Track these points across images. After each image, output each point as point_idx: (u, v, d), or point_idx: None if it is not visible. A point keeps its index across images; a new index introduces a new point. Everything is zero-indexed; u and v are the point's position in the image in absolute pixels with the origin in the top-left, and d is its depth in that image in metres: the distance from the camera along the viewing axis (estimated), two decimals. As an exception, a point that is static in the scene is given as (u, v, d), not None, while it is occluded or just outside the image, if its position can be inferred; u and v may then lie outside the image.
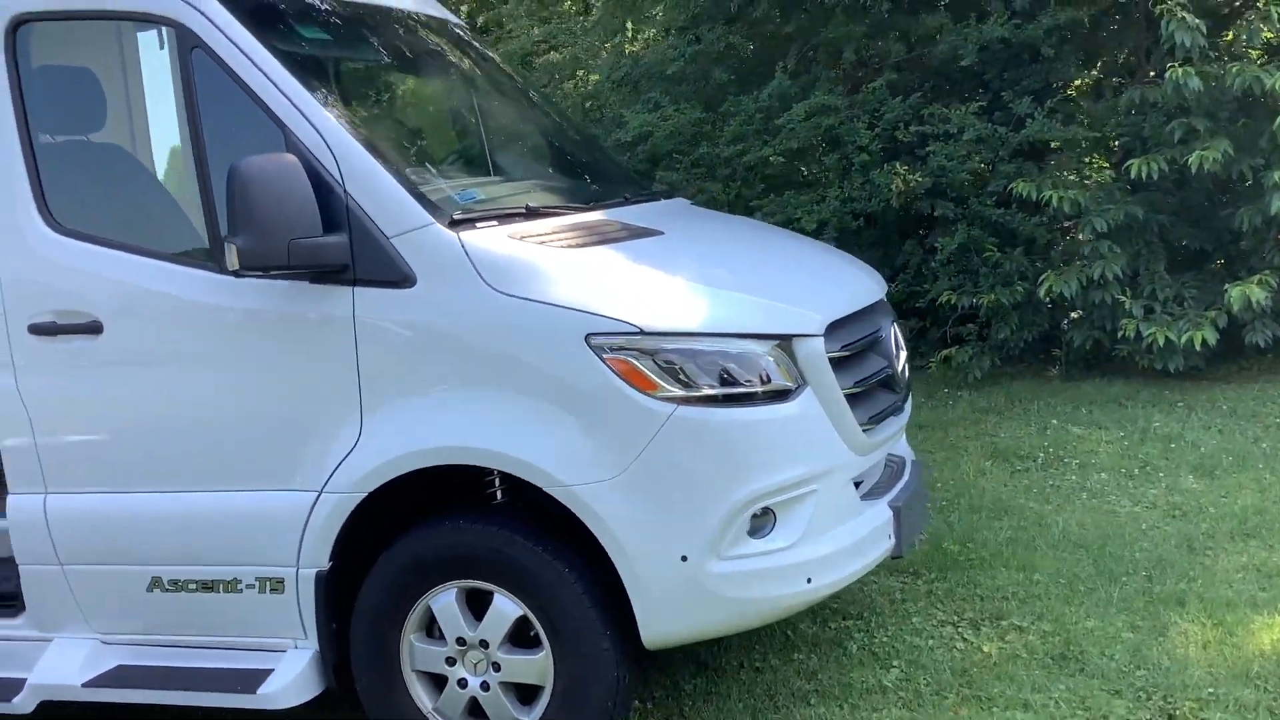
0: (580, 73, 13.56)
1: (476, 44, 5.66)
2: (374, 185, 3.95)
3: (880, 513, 4.35)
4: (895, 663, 4.68)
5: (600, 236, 4.24)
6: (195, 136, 4.09)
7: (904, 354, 4.69)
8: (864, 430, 4.22)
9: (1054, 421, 8.06)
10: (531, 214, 4.27)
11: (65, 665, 4.41)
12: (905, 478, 4.71)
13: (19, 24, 4.27)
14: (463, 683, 4.10)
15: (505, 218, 4.18)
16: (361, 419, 4.00)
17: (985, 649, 4.74)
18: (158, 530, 4.27)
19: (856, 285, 4.65)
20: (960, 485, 6.87)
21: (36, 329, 4.27)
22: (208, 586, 4.23)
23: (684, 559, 3.83)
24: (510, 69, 5.83)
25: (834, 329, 4.16)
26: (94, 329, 4.22)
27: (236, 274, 3.91)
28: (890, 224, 10.55)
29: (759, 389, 3.94)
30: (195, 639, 4.34)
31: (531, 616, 3.98)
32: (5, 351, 4.33)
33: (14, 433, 4.37)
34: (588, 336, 3.81)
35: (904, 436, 5.14)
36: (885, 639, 4.89)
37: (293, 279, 3.96)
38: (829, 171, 10.53)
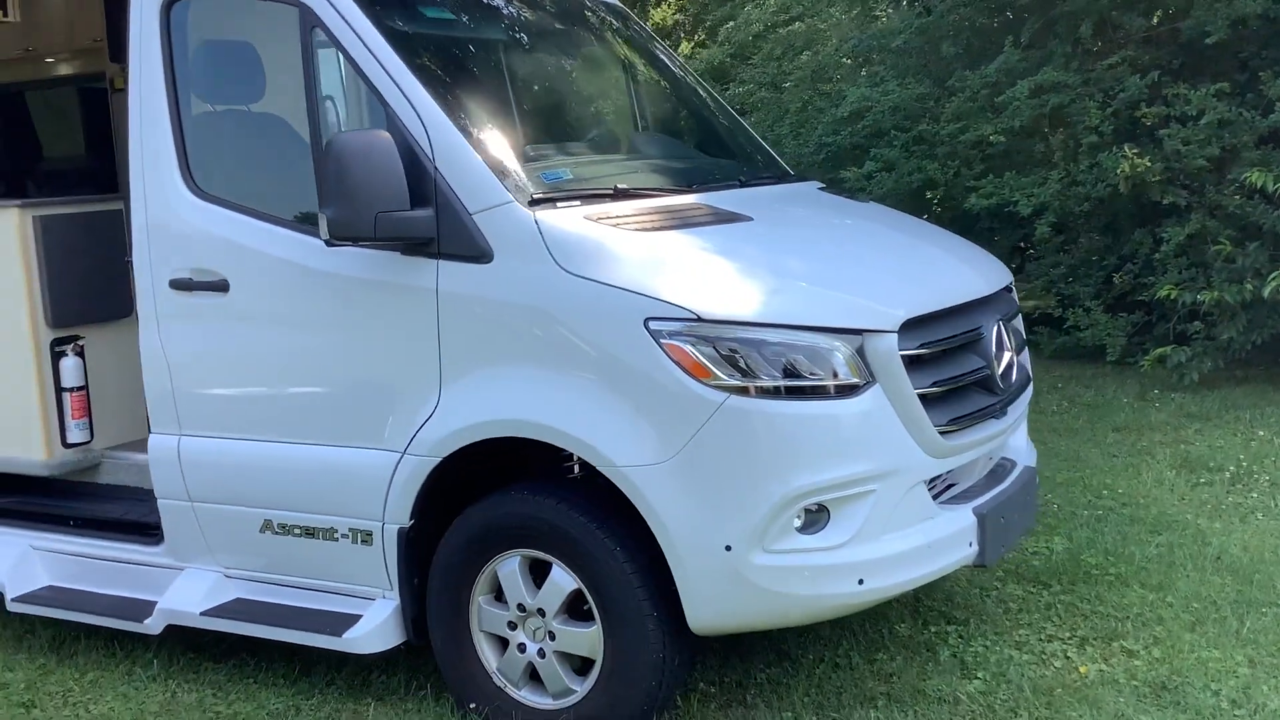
0: (815, 46, 13.35)
1: (629, 21, 5.70)
2: (460, 162, 4.09)
3: (961, 518, 4.19)
4: (980, 674, 4.49)
5: (682, 220, 4.23)
6: (313, 111, 4.34)
7: (1009, 354, 4.46)
8: (944, 432, 4.07)
9: (1260, 433, 7.49)
10: (620, 195, 4.31)
11: (190, 593, 4.80)
12: (1005, 483, 4.52)
13: (172, 3, 4.63)
14: (522, 647, 4.22)
15: (590, 198, 4.24)
16: (440, 387, 4.16)
17: (1083, 669, 4.49)
18: (269, 476, 4.57)
19: (953, 280, 4.46)
20: (1130, 494, 6.49)
21: (176, 284, 4.64)
22: (310, 532, 4.51)
23: (728, 548, 3.81)
24: (661, 47, 5.83)
25: (913, 326, 4.02)
26: (222, 287, 4.55)
27: (328, 243, 4.12)
28: (1121, 211, 9.98)
29: (823, 383, 3.87)
30: (301, 581, 4.63)
31: (585, 591, 4.06)
32: (150, 304, 4.72)
33: (156, 378, 4.77)
34: (646, 320, 3.83)
35: (1023, 439, 4.92)
36: (981, 648, 4.70)
37: (381, 249, 4.16)
38: (1053, 152, 10.05)
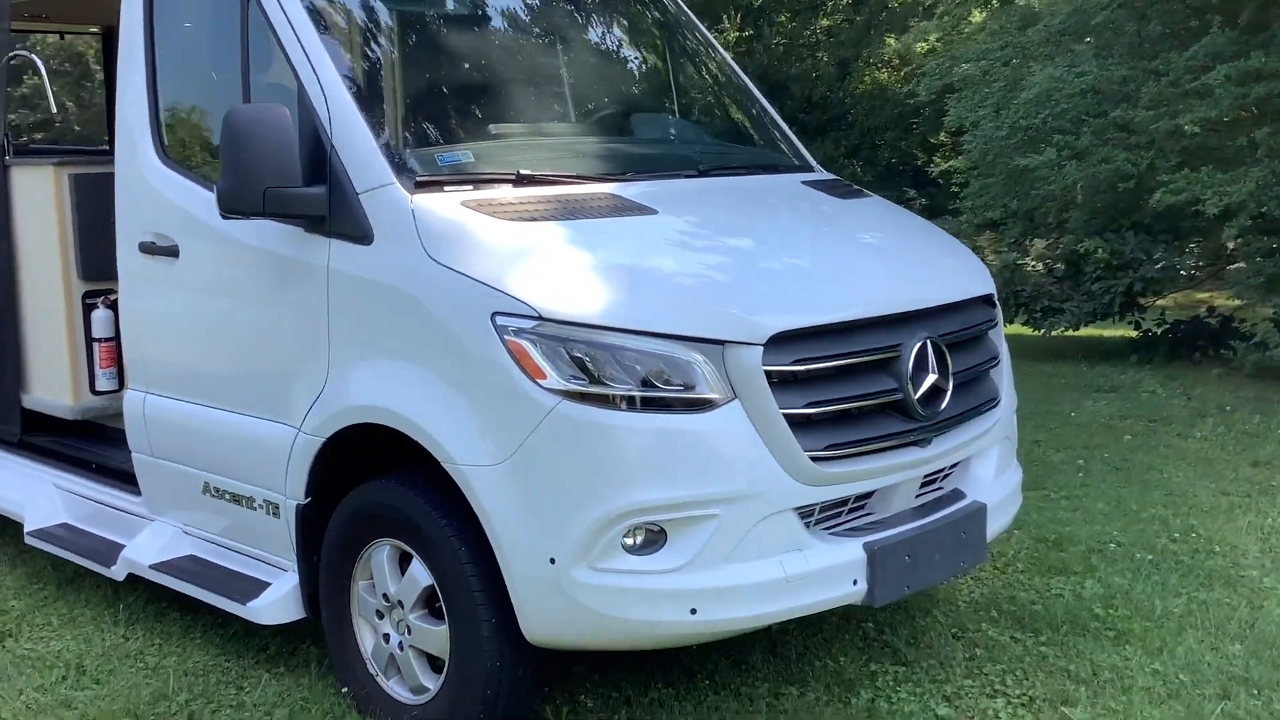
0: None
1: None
2: (353, 140, 4.02)
3: (844, 552, 3.81)
4: (886, 727, 4.10)
5: (571, 210, 4.00)
6: (244, 83, 4.38)
7: (933, 376, 3.96)
8: (817, 459, 3.70)
9: None
10: (523, 181, 4.13)
11: (149, 545, 4.99)
12: (930, 518, 4.08)
13: None
14: (386, 637, 4.16)
15: (486, 182, 4.08)
16: (328, 367, 4.13)
17: (1006, 735, 4.03)
18: (206, 441, 4.68)
19: (866, 292, 4.03)
20: (1208, 540, 5.75)
21: (143, 247, 4.80)
22: (236, 499, 4.59)
23: (552, 561, 3.61)
24: (675, 25, 5.51)
25: (789, 340, 3.68)
26: (174, 253, 4.67)
27: (223, 216, 4.15)
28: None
29: (669, 395, 3.59)
30: (235, 545, 4.73)
31: (437, 588, 3.95)
32: (125, 264, 4.91)
33: (129, 336, 4.97)
34: (494, 315, 3.66)
35: (991, 469, 4.43)
36: (907, 695, 4.28)
37: (289, 224, 4.14)
38: (1257, 147, 8.99)
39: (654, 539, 3.63)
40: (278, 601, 4.43)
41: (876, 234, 4.60)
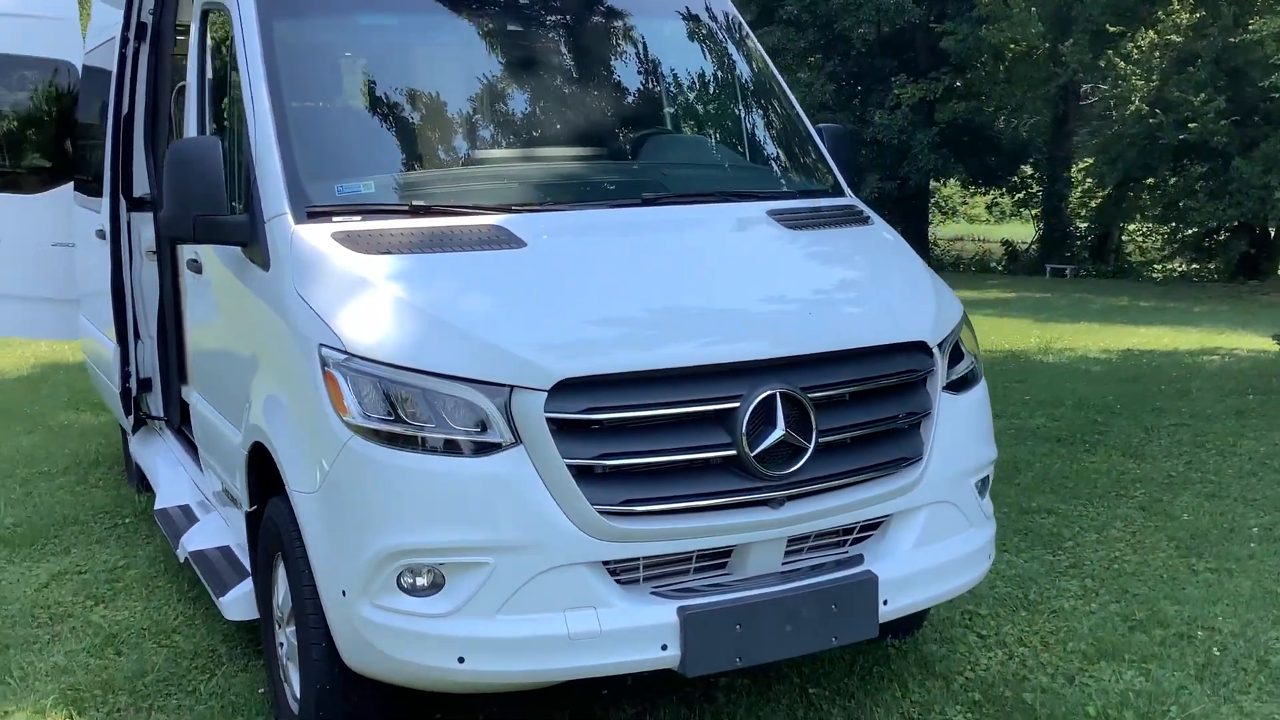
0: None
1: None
2: (267, 168, 4.23)
3: (652, 614, 3.59)
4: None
5: (436, 244, 3.97)
6: (215, 113, 4.73)
7: (780, 432, 3.60)
8: (609, 514, 3.50)
9: None
10: (418, 211, 4.17)
11: (199, 533, 5.48)
12: (790, 585, 3.75)
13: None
14: (283, 646, 4.34)
15: (376, 213, 4.15)
16: (251, 383, 4.38)
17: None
18: (213, 440, 5.09)
19: (709, 338, 3.74)
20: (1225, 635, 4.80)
21: (190, 265, 5.28)
22: (232, 500, 4.96)
23: (344, 594, 3.66)
24: (687, 43, 5.25)
25: (586, 386, 3.51)
26: (199, 269, 5.10)
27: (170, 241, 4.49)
28: None
29: (448, 436, 3.53)
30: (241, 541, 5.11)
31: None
32: (184, 277, 5.42)
33: (188, 340, 5.49)
34: (320, 346, 3.76)
35: (909, 541, 3.98)
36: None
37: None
38: None
39: (437, 582, 3.58)
40: (241, 599, 4.73)
41: (793, 273, 4.21)
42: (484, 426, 3.54)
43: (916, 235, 35.63)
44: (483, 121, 4.75)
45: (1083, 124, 32.02)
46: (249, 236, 4.28)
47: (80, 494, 7.57)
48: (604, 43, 5.06)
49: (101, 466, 8.25)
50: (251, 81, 4.37)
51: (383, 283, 3.84)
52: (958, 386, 4.21)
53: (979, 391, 4.35)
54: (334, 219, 4.11)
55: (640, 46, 5.14)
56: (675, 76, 5.32)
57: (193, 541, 5.42)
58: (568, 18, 4.99)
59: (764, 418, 3.64)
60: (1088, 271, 31.42)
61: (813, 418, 3.70)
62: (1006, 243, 36.93)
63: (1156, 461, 7.67)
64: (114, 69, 6.52)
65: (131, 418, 6.85)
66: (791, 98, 5.14)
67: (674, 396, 3.60)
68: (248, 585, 4.72)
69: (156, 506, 6.18)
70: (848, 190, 4.93)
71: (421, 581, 3.58)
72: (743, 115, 5.26)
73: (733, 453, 3.61)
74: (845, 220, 4.64)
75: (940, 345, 4.12)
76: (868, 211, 4.79)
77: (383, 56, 4.82)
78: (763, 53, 5.26)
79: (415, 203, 4.21)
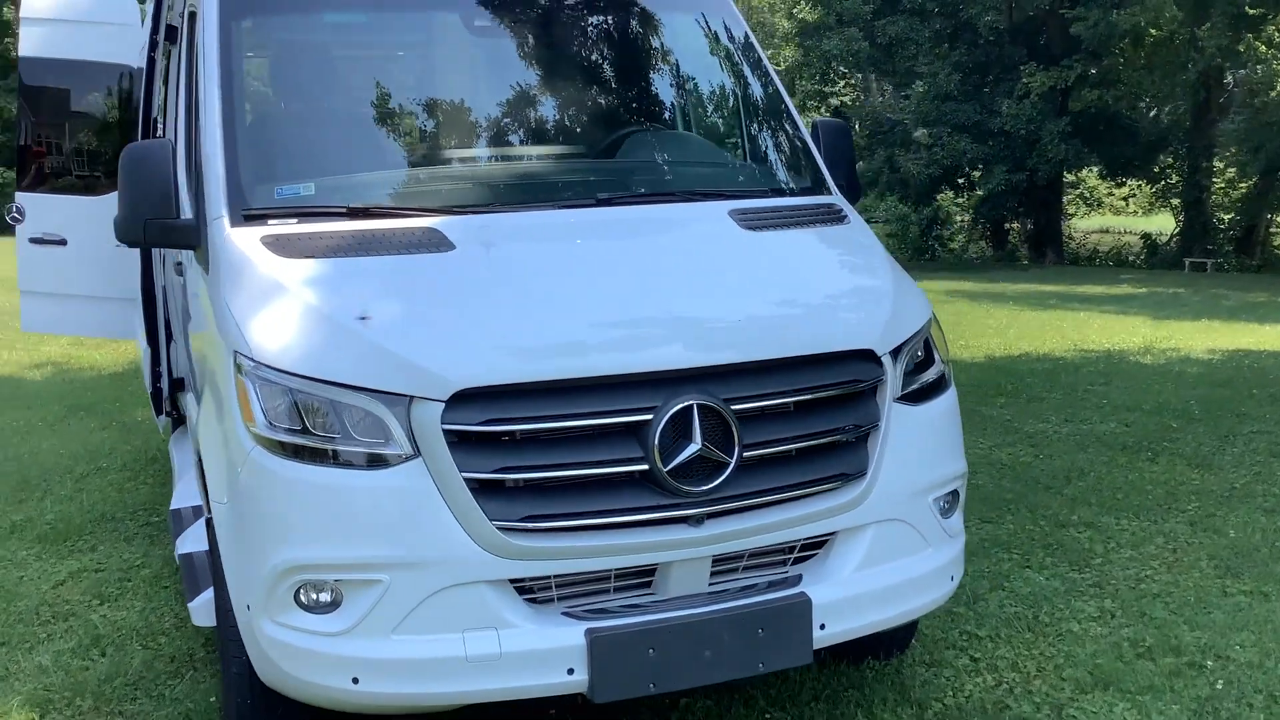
0: None
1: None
2: (211, 171, 4.16)
3: (557, 636, 3.42)
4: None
5: (361, 248, 3.85)
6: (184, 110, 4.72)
7: (696, 446, 3.39)
8: (508, 529, 3.34)
9: None
10: (355, 214, 4.05)
11: (192, 535, 5.45)
12: (710, 608, 3.54)
13: None
14: (227, 655, 4.29)
15: (312, 216, 4.05)
16: (201, 390, 4.33)
17: None
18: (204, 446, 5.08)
19: (622, 346, 3.57)
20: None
21: (176, 268, 5.28)
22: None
23: (248, 608, 3.58)
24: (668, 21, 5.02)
25: (487, 397, 3.36)
26: (181, 272, 5.09)
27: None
28: None
29: (346, 448, 3.42)
30: None
31: (224, 619, 4.02)
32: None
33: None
34: (235, 353, 3.68)
35: (851, 564, 3.73)
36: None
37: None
38: None
39: (336, 599, 3.47)
40: (204, 606, 4.68)
41: (733, 277, 3.96)
42: (380, 438, 3.41)
43: (1049, 229, 34.58)
44: (436, 122, 4.61)
45: (1225, 111, 30.68)
46: (196, 240, 4.23)
47: (127, 491, 7.70)
48: (568, 36, 4.87)
49: (157, 463, 8.39)
50: (205, 82, 4.31)
51: (297, 288, 3.73)
52: (918, 396, 3.93)
53: (945, 401, 4.05)
54: (269, 222, 4.02)
55: (609, 38, 4.95)
56: (646, 69, 5.08)
57: (184, 544, 5.40)
58: (533, 14, 4.82)
59: (681, 431, 3.44)
60: (1230, 266, 30.09)
61: (735, 431, 3.48)
62: (1145, 235, 35.59)
63: (1222, 472, 7.17)
64: (144, 72, 6.59)
65: (165, 417, 6.92)
66: (781, 90, 4.88)
67: (582, 408, 3.43)
68: (210, 593, 4.68)
69: (171, 506, 6.22)
70: (833, 187, 4.66)
71: (324, 598, 3.47)
72: (719, 109, 5.04)
73: (645, 467, 3.42)
74: (813, 220, 4.38)
75: (896, 352, 3.85)
76: (845, 210, 4.52)
77: (338, 58, 4.73)
78: (752, 41, 4.99)
79: (353, 205, 4.09)
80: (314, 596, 3.47)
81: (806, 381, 3.66)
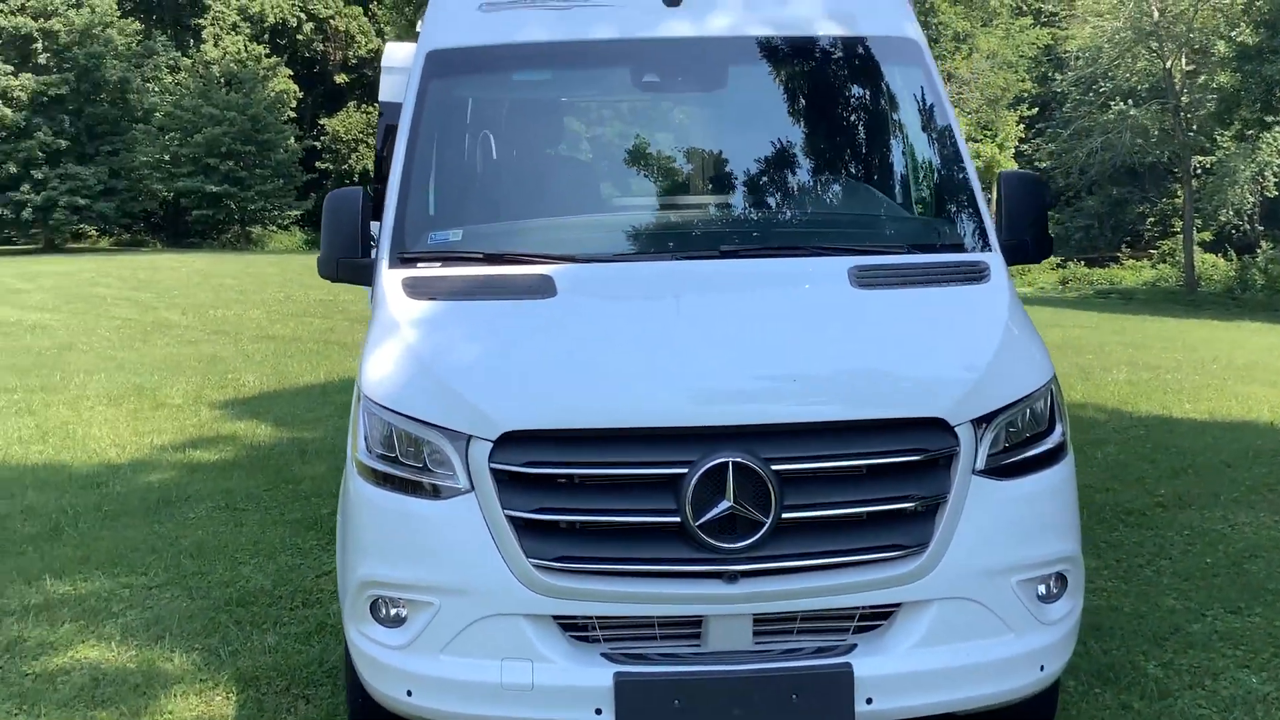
0: None
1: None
2: (385, 218, 4.61)
3: (586, 676, 3.58)
4: None
5: (477, 292, 4.15)
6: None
7: (728, 504, 3.42)
8: (542, 568, 3.53)
9: None
10: (489, 259, 4.35)
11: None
12: (746, 666, 3.59)
13: None
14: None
15: (455, 260, 4.39)
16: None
17: None
18: None
19: (670, 400, 3.64)
20: None
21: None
22: None
23: (343, 615, 3.95)
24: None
25: (531, 440, 3.58)
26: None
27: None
28: None
29: (425, 480, 3.73)
30: None
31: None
32: None
33: None
34: (359, 386, 4.08)
35: (915, 631, 3.61)
36: None
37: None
38: None
39: (403, 615, 3.77)
40: None
41: (811, 338, 3.90)
42: (447, 471, 3.69)
43: None
44: (582, 174, 4.83)
45: None
46: (369, 278, 4.67)
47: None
48: (731, 95, 4.97)
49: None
50: (401, 135, 4.76)
51: (406, 327, 4.08)
52: (1014, 470, 3.72)
53: (1053, 476, 3.81)
54: (419, 265, 4.39)
55: (780, 88, 4.97)
56: (807, 119, 5.01)
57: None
58: (698, 70, 4.93)
59: (717, 487, 3.49)
60: None
61: (773, 491, 3.47)
62: None
63: None
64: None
65: None
66: (959, 142, 4.68)
67: (620, 457, 3.56)
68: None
69: None
70: (993, 243, 4.45)
71: (396, 613, 3.79)
72: (879, 159, 4.93)
73: (678, 519, 3.48)
74: (942, 279, 4.23)
75: (981, 422, 3.67)
76: (992, 268, 4.30)
77: (515, 114, 5.05)
78: (935, 86, 4.80)
79: (488, 251, 4.40)
80: (388, 611, 3.80)
81: (861, 447, 3.59)
